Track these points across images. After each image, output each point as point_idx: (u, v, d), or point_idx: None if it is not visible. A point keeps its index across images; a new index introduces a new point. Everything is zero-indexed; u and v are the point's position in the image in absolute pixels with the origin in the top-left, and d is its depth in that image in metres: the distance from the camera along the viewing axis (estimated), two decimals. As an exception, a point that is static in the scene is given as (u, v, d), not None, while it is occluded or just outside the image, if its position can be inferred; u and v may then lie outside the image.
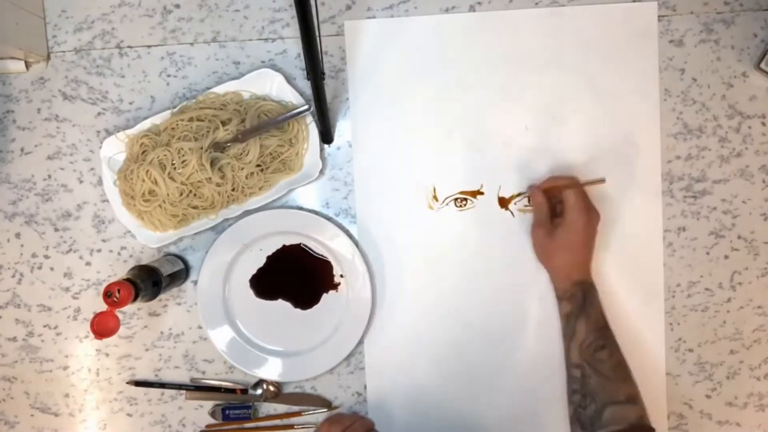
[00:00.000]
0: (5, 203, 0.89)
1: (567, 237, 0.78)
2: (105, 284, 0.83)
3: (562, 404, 0.86)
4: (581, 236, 0.78)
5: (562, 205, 0.80)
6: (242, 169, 0.82)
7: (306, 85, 0.86)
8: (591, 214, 0.78)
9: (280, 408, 0.89)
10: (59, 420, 0.91)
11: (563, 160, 0.85)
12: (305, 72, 0.85)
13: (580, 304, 0.77)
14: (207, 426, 0.90)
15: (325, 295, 0.87)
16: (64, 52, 0.88)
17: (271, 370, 0.87)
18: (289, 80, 0.85)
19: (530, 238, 0.83)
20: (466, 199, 0.86)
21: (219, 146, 0.82)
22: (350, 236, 0.86)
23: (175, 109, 0.84)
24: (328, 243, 0.86)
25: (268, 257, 0.87)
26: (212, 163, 0.81)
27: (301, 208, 0.87)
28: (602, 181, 0.79)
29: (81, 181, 0.88)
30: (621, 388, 0.73)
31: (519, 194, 0.86)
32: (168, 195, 0.82)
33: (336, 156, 0.87)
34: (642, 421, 0.71)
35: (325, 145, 0.87)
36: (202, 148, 0.81)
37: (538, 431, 0.87)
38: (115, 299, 0.73)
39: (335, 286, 0.87)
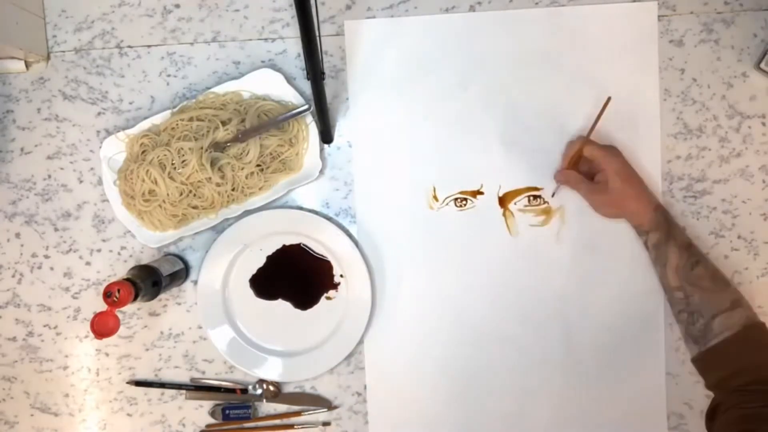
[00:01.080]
0: (5, 203, 0.89)
1: (619, 179, 0.79)
2: (105, 284, 0.83)
3: (562, 403, 0.87)
4: (626, 171, 0.80)
5: (589, 164, 0.82)
6: (242, 169, 0.82)
7: (306, 85, 0.86)
8: (615, 151, 0.80)
9: (280, 408, 0.89)
10: (59, 420, 0.91)
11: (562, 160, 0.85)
12: (305, 72, 0.85)
13: (666, 229, 0.79)
14: (207, 426, 0.90)
15: (324, 295, 0.87)
16: (64, 52, 0.88)
17: (271, 370, 0.87)
18: (289, 80, 0.85)
19: (593, 208, 0.83)
20: (466, 199, 0.86)
21: (219, 146, 0.82)
22: (350, 236, 0.86)
23: (175, 109, 0.84)
24: (328, 243, 0.86)
25: (268, 257, 0.87)
26: (212, 163, 0.81)
27: (301, 208, 0.87)
28: (608, 100, 0.80)
29: (81, 181, 0.88)
30: (724, 297, 0.75)
31: (519, 190, 0.86)
32: (168, 195, 0.82)
33: (336, 156, 0.87)
34: (752, 321, 0.73)
35: (325, 145, 0.87)
36: (202, 148, 0.81)
37: (539, 430, 0.87)
38: (115, 299, 0.73)
39: (335, 286, 0.87)
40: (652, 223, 0.79)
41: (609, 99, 0.80)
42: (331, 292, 0.87)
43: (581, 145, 0.80)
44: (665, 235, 0.78)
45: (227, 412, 0.88)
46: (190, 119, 0.82)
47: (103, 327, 0.74)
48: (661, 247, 0.78)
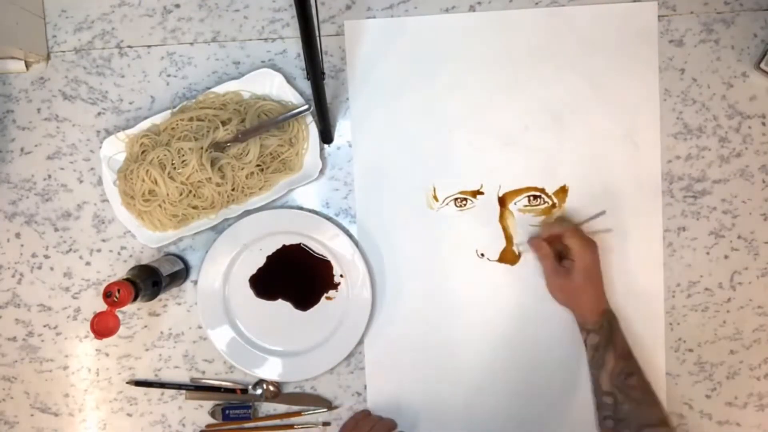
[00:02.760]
0: (5, 203, 0.89)
1: (582, 275, 0.79)
2: (105, 284, 0.83)
3: (562, 403, 0.87)
4: (594, 269, 0.80)
5: (564, 247, 0.81)
6: (242, 169, 0.82)
7: (306, 85, 0.86)
8: (593, 246, 0.80)
9: (280, 408, 0.89)
10: (59, 420, 0.91)
11: (563, 160, 0.85)
12: (305, 72, 0.85)
13: (608, 334, 0.79)
14: (207, 426, 0.90)
15: (324, 295, 0.87)
16: (64, 52, 0.88)
17: (271, 370, 0.87)
18: (289, 80, 0.85)
19: (547, 285, 0.84)
20: (466, 199, 0.86)
21: (219, 146, 0.82)
22: (350, 236, 0.86)
23: (175, 109, 0.84)
24: (328, 243, 0.86)
25: (268, 257, 0.87)
26: (212, 163, 0.81)
27: (301, 208, 0.87)
28: (602, 212, 0.81)
29: (81, 181, 0.88)
30: (654, 412, 0.75)
31: (519, 190, 0.86)
32: (168, 195, 0.82)
33: (336, 156, 0.87)
34: None
35: (325, 145, 0.87)
36: (202, 148, 0.81)
37: (539, 430, 0.87)
38: (115, 299, 0.73)
39: (335, 286, 0.87)
40: (596, 325, 0.79)
41: (603, 212, 0.80)
42: (331, 292, 0.87)
43: (566, 231, 0.80)
44: (606, 339, 0.78)
45: (227, 412, 0.88)
46: (190, 119, 0.82)
47: (103, 327, 0.74)
48: (600, 350, 0.78)
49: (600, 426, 0.77)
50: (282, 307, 0.88)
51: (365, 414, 0.86)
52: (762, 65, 0.82)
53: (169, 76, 0.87)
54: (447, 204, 0.86)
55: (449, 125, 0.86)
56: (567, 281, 0.80)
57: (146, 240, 0.85)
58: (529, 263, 0.86)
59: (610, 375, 0.77)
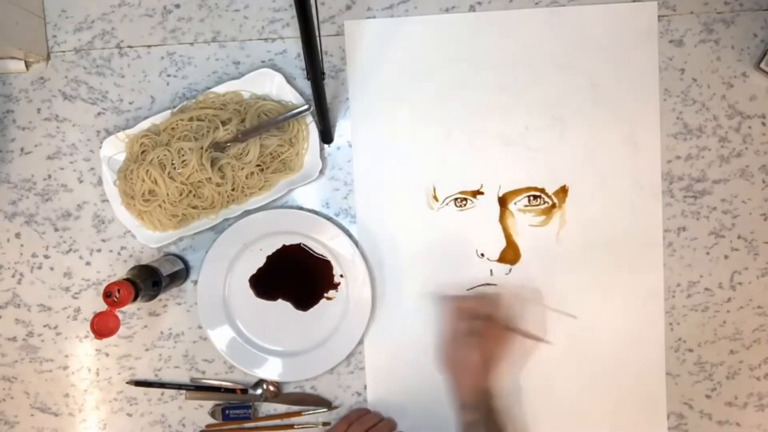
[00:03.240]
0: (5, 203, 0.89)
1: (482, 361, 0.77)
2: (105, 284, 0.83)
3: (562, 402, 0.87)
4: (494, 361, 0.79)
5: (477, 325, 0.80)
6: (242, 169, 0.82)
7: (306, 85, 0.86)
8: (507, 340, 0.80)
9: (280, 408, 0.89)
10: (59, 420, 0.91)
11: (563, 160, 0.85)
12: (305, 72, 0.85)
13: (485, 414, 0.77)
14: (207, 426, 0.90)
15: (324, 295, 0.87)
16: (64, 52, 0.88)
17: (271, 370, 0.87)
18: (289, 80, 0.85)
19: (439, 350, 0.82)
20: (466, 199, 0.86)
21: (219, 146, 0.82)
22: (350, 236, 0.86)
23: (175, 109, 0.84)
24: (328, 243, 0.86)
25: (268, 257, 0.87)
26: (212, 163, 0.81)
27: (301, 208, 0.87)
28: (542, 340, 0.81)
29: (81, 181, 0.88)
30: None
31: (519, 190, 0.86)
32: (168, 195, 0.82)
33: (336, 156, 0.87)
34: None
35: (325, 145, 0.87)
36: (202, 148, 0.81)
37: (538, 429, 0.87)
38: (115, 299, 0.73)
39: (335, 286, 0.87)
40: (472, 403, 0.77)
41: (543, 340, 0.81)
42: (331, 292, 0.87)
43: (490, 314, 0.79)
44: (482, 419, 0.76)
45: (227, 412, 0.88)
46: (190, 119, 0.82)
47: (103, 327, 0.74)
48: (472, 429, 0.76)
49: None
50: (282, 307, 0.88)
51: (366, 411, 0.86)
52: (762, 65, 0.82)
53: (169, 76, 0.87)
54: (447, 204, 0.86)
55: (449, 125, 0.86)
56: (463, 357, 0.78)
57: (146, 240, 0.85)
58: (530, 263, 0.86)
59: None
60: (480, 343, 0.78)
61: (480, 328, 0.80)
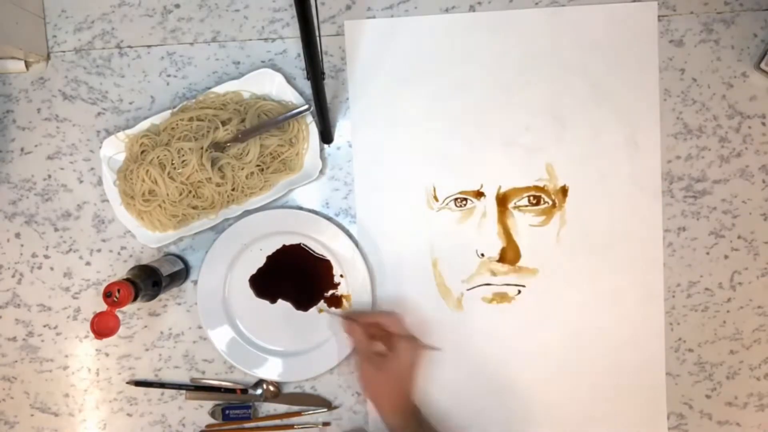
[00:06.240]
0: (5, 203, 0.89)
1: (396, 371, 0.77)
2: (105, 284, 0.83)
3: (562, 402, 0.87)
4: (409, 370, 0.78)
5: (384, 338, 0.79)
6: (242, 169, 0.82)
7: (306, 85, 0.86)
8: (415, 345, 0.79)
9: (280, 408, 0.89)
10: (59, 420, 0.91)
11: (563, 160, 0.85)
12: (305, 72, 0.85)
13: (416, 426, 0.77)
14: (207, 426, 0.90)
15: (324, 295, 0.87)
16: (64, 52, 0.88)
17: (271, 370, 0.87)
18: (289, 80, 0.85)
19: (357, 374, 0.81)
20: (466, 199, 0.86)
21: (219, 146, 0.82)
22: (350, 236, 0.86)
23: (175, 109, 0.84)
24: (328, 243, 0.86)
25: (268, 257, 0.87)
26: (212, 163, 0.81)
27: (301, 208, 0.87)
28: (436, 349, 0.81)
29: (81, 181, 0.88)
30: None
31: (519, 190, 0.86)
32: (168, 195, 0.82)
33: (336, 156, 0.87)
34: None
35: (325, 145, 0.87)
36: (202, 148, 0.81)
37: (538, 429, 0.87)
38: (115, 299, 0.73)
39: (335, 286, 0.87)
40: (399, 425, 0.76)
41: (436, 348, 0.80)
42: (331, 292, 0.87)
43: (390, 323, 0.78)
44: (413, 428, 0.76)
45: (227, 412, 0.88)
46: (190, 119, 0.82)
47: (103, 327, 0.74)
48: None
49: None
50: (282, 307, 0.87)
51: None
52: (762, 65, 0.82)
53: (169, 76, 0.87)
54: (447, 204, 0.86)
55: (449, 125, 0.86)
56: (378, 373, 0.77)
57: (146, 240, 0.85)
58: (529, 263, 0.86)
59: None
60: (390, 356, 0.77)
61: (386, 343, 0.79)
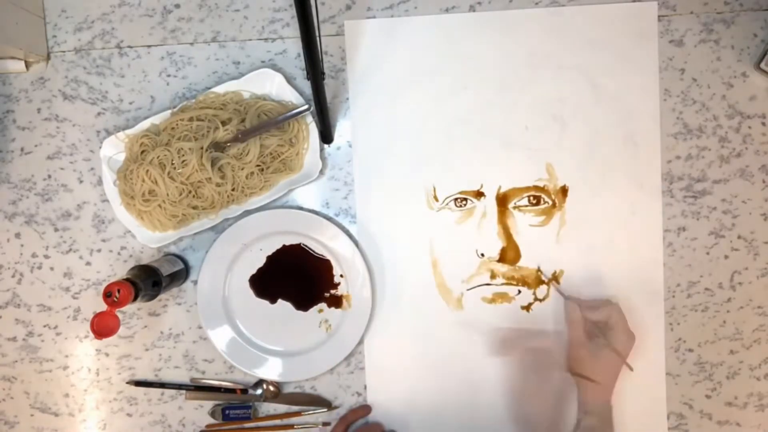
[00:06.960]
0: (5, 203, 0.89)
1: (610, 358, 0.78)
2: (105, 284, 0.83)
3: (562, 403, 0.87)
4: (620, 360, 0.79)
5: (600, 327, 0.80)
6: (242, 169, 0.82)
7: (306, 85, 0.86)
8: (631, 339, 0.79)
9: (280, 408, 0.89)
10: (59, 420, 0.91)
11: (563, 160, 0.85)
12: (305, 72, 0.85)
13: (604, 422, 0.78)
14: (207, 426, 0.90)
15: (324, 294, 0.87)
16: (64, 52, 0.88)
17: (271, 370, 0.87)
18: (289, 80, 0.85)
19: (568, 353, 0.82)
20: (466, 199, 0.86)
21: (219, 146, 0.82)
22: (350, 236, 0.86)
23: (175, 109, 0.84)
24: (328, 243, 0.86)
25: (268, 257, 0.87)
26: (212, 163, 0.81)
27: (301, 208, 0.87)
28: (630, 369, 0.80)
29: (81, 181, 0.88)
30: None
31: (519, 190, 0.86)
32: (168, 195, 0.82)
33: (336, 156, 0.87)
34: None
35: (325, 145, 0.87)
36: (202, 147, 0.81)
37: (538, 429, 0.87)
38: (115, 299, 0.73)
39: (335, 286, 0.87)
40: (596, 409, 0.78)
41: (631, 369, 0.79)
42: (331, 292, 0.87)
43: (612, 314, 0.79)
44: (601, 426, 0.77)
45: (227, 412, 0.88)
46: (190, 119, 0.82)
47: (103, 327, 0.74)
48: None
49: None
50: (282, 307, 0.88)
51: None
52: (762, 65, 0.82)
53: (169, 76, 0.87)
54: (447, 204, 0.86)
55: (449, 125, 0.86)
56: (592, 359, 0.78)
57: (146, 240, 0.85)
58: (529, 263, 0.86)
59: None
60: (608, 346, 0.78)
61: (599, 328, 0.80)
